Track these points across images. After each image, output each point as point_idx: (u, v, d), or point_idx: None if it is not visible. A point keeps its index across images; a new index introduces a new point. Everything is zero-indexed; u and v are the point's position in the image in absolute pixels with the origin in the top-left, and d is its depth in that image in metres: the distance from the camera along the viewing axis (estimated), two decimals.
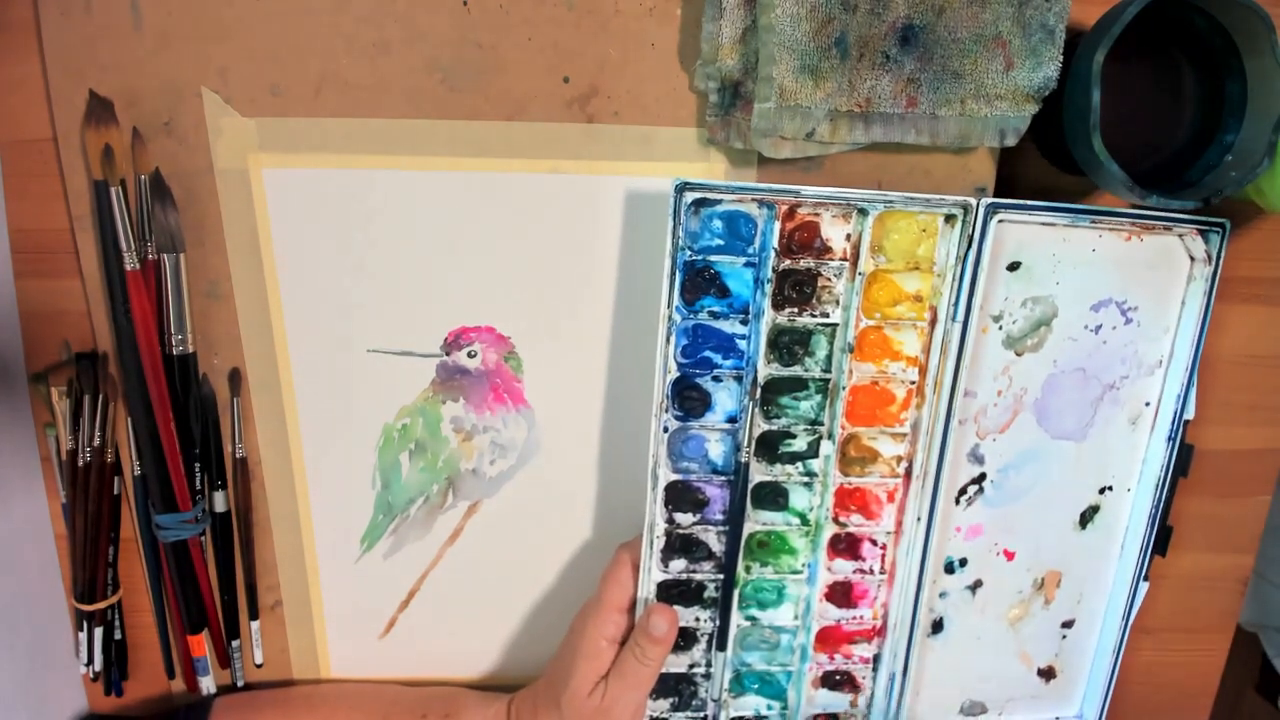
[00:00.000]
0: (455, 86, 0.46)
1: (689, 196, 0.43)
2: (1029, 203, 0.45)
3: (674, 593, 0.49)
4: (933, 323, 0.47)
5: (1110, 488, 0.53)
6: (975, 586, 0.53)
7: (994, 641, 0.54)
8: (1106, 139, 0.42)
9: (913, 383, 0.48)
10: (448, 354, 0.50)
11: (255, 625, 0.54)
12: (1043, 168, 0.51)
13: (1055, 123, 0.46)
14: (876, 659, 0.52)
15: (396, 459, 0.52)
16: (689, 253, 0.44)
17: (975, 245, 0.45)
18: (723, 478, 0.47)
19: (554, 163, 0.47)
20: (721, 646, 0.49)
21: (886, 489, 0.49)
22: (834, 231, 0.45)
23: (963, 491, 0.51)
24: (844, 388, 0.47)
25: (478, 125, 0.46)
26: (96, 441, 0.48)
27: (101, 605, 0.51)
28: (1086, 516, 0.53)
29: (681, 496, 0.47)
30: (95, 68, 0.44)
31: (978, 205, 0.44)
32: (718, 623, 0.49)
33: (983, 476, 0.51)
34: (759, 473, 0.48)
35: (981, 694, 0.56)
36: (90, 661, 0.52)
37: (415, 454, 0.52)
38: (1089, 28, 0.45)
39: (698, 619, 0.49)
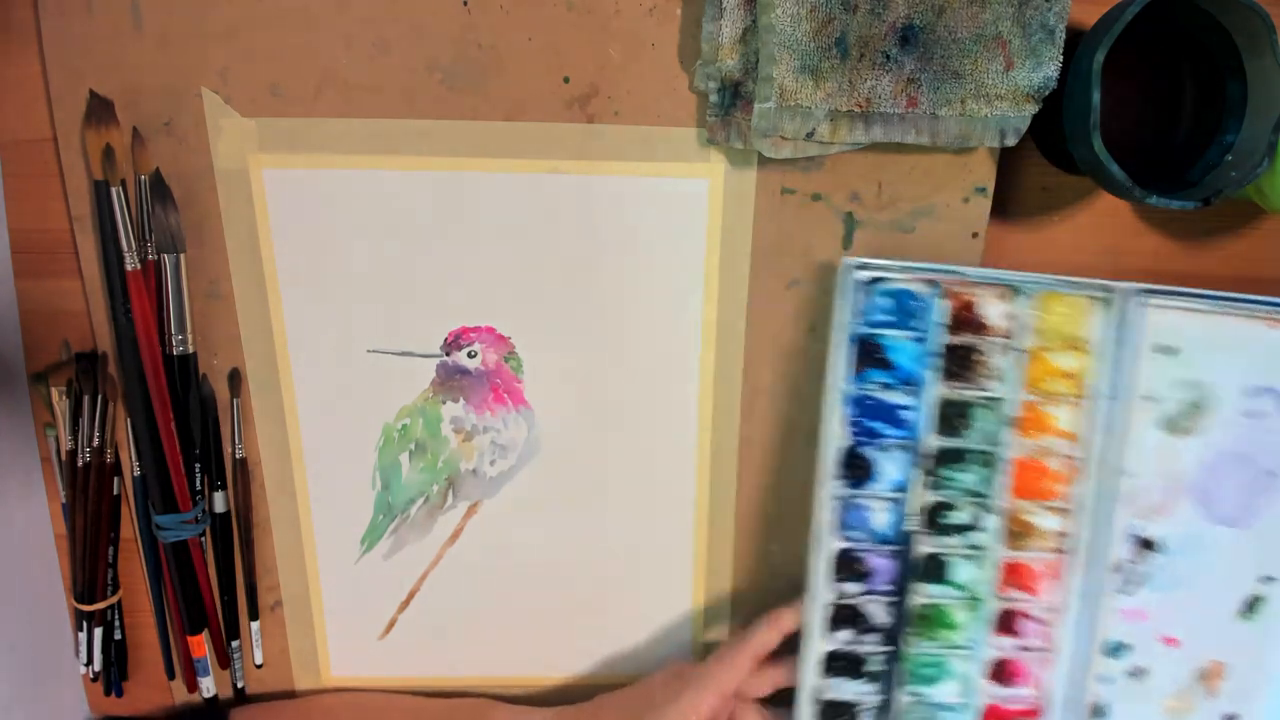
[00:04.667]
0: (455, 86, 0.46)
1: (860, 275, 0.45)
2: (1181, 289, 0.46)
3: (836, 666, 0.48)
4: (1088, 401, 0.47)
5: (1273, 577, 0.51)
6: (1138, 673, 0.51)
7: None
8: (1106, 139, 0.42)
9: (1070, 458, 0.48)
10: (448, 354, 0.50)
11: (255, 625, 0.54)
12: (1043, 168, 0.51)
13: (1055, 123, 0.46)
14: None
15: (396, 459, 0.52)
16: (858, 326, 0.46)
17: (1127, 328, 0.46)
18: (887, 548, 0.48)
19: (554, 163, 0.47)
20: None
21: (1047, 564, 0.49)
22: (993, 310, 0.47)
23: (1122, 571, 0.50)
24: (1005, 461, 0.48)
25: (478, 125, 0.46)
26: (96, 442, 0.48)
27: (101, 605, 0.51)
28: (1250, 606, 0.51)
29: (846, 566, 0.48)
30: (95, 68, 0.44)
31: (1130, 291, 0.45)
32: (882, 698, 0.49)
33: (1142, 558, 0.50)
34: (923, 544, 0.48)
35: None
36: (90, 662, 0.52)
37: (415, 454, 0.52)
38: (1089, 28, 0.45)
39: (857, 694, 0.49)
